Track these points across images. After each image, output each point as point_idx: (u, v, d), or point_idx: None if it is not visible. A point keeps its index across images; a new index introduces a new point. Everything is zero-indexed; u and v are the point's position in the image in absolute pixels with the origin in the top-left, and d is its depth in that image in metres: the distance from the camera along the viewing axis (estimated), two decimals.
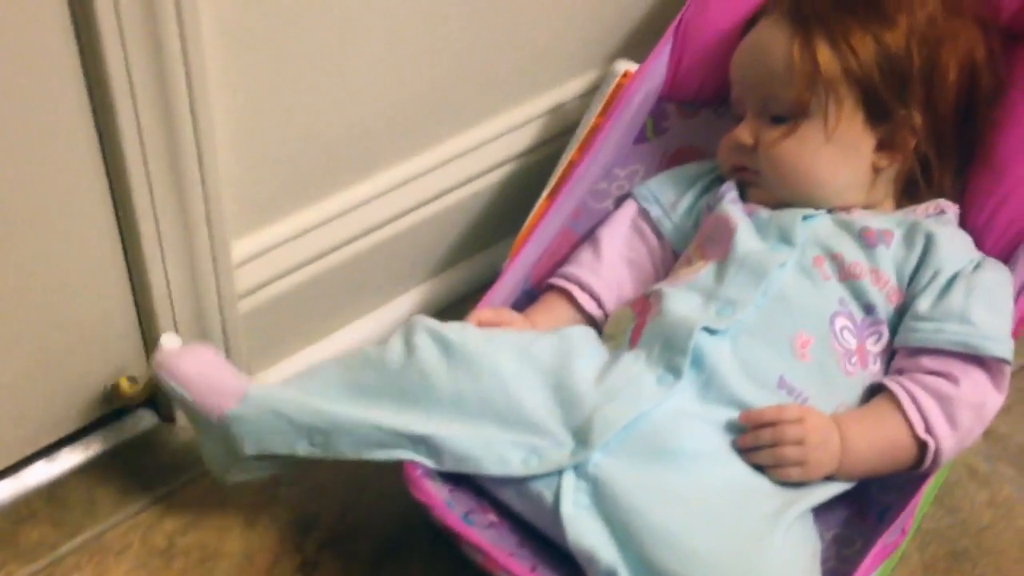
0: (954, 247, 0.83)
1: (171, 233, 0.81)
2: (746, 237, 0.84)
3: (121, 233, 0.81)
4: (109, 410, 0.92)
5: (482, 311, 0.87)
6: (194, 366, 0.80)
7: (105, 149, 0.75)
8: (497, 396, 0.76)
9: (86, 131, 0.74)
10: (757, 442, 0.75)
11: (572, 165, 0.94)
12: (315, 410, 0.77)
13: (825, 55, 0.84)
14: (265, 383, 0.80)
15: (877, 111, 0.84)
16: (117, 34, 0.68)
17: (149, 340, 0.89)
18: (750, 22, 0.91)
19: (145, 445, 0.91)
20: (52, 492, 0.89)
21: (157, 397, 0.93)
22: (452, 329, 0.80)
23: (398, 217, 0.97)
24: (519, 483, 0.76)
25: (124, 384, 0.89)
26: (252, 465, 0.81)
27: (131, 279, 0.84)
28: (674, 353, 0.78)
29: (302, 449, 0.78)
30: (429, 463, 0.77)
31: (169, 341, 0.82)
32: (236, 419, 0.78)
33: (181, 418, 0.93)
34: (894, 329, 0.82)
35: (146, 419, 0.94)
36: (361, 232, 0.95)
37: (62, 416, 0.90)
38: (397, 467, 0.77)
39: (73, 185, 0.76)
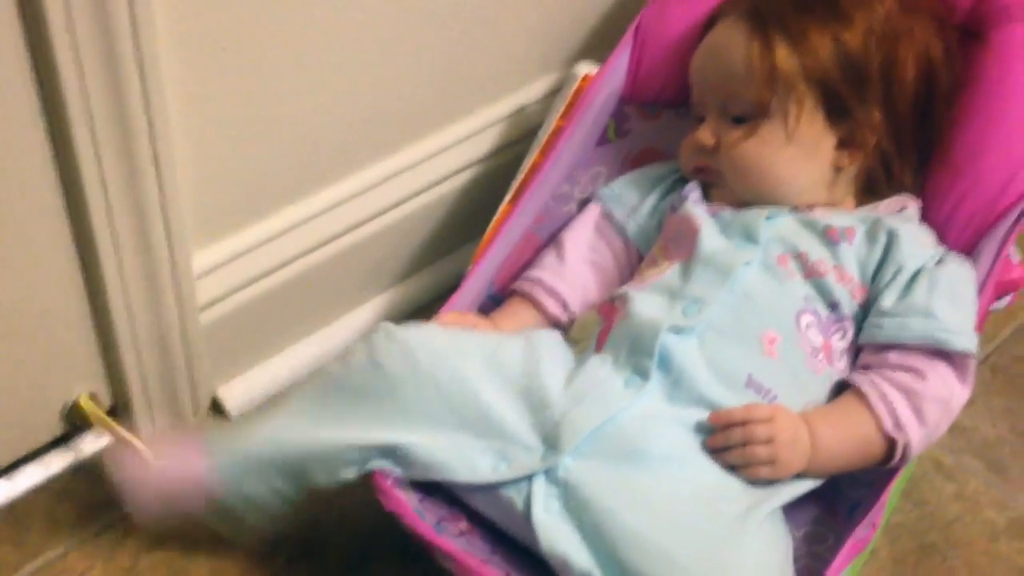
0: (916, 243, 0.83)
1: (129, 245, 0.80)
2: (710, 236, 0.84)
3: (78, 246, 0.79)
4: (69, 428, 0.90)
5: (446, 315, 0.87)
6: (153, 490, 0.79)
7: (60, 161, 0.74)
8: (464, 402, 0.76)
9: (40, 142, 0.72)
10: (727, 442, 0.75)
11: (534, 169, 0.94)
12: (287, 449, 0.77)
13: (784, 55, 0.84)
14: (226, 444, 0.79)
15: (837, 110, 0.84)
16: (70, 42, 0.67)
17: (109, 355, 0.87)
18: (709, 23, 0.92)
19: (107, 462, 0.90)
20: (12, 512, 0.87)
21: (119, 413, 0.91)
22: (417, 333, 0.79)
23: (360, 224, 0.96)
24: (489, 490, 0.75)
25: (84, 401, 0.87)
26: (258, 521, 0.81)
27: (88, 292, 0.82)
28: (641, 355, 0.78)
29: (291, 490, 0.78)
30: (399, 471, 0.76)
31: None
32: (222, 494, 0.78)
33: (143, 434, 0.92)
34: (859, 326, 0.83)
35: (108, 435, 0.92)
36: (323, 240, 0.94)
37: (20, 435, 0.88)
38: (365, 479, 0.77)
39: (27, 197, 0.74)
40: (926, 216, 0.89)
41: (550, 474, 0.74)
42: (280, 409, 0.80)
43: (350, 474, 0.77)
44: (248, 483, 0.78)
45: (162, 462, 0.80)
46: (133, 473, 0.80)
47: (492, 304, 0.93)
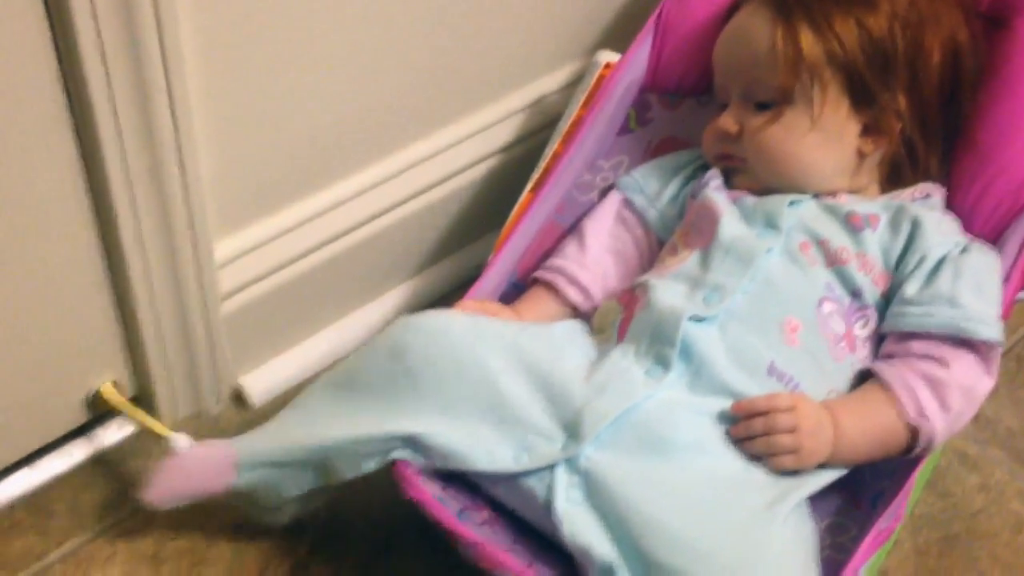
0: (941, 231, 0.83)
1: (152, 234, 0.80)
2: (731, 223, 0.84)
3: (101, 236, 0.80)
4: (92, 416, 0.90)
5: (467, 302, 0.87)
6: (178, 474, 0.81)
7: (84, 151, 0.74)
8: (486, 391, 0.76)
9: (65, 134, 0.73)
10: (750, 431, 0.75)
11: (556, 158, 0.94)
12: (308, 446, 0.78)
13: (808, 40, 0.83)
14: (250, 440, 0.81)
15: (862, 96, 0.84)
16: (96, 38, 0.67)
17: (132, 344, 0.87)
18: (731, 9, 0.91)
19: (129, 450, 0.90)
20: (35, 501, 0.88)
21: (141, 402, 0.92)
22: (437, 321, 0.79)
23: (381, 214, 0.96)
24: (511, 479, 0.75)
25: (107, 389, 0.88)
26: (288, 507, 0.83)
27: (112, 282, 0.83)
28: (662, 344, 0.77)
29: (313, 484, 0.79)
30: (421, 460, 0.76)
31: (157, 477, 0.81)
32: (244, 487, 0.79)
33: (166, 423, 0.92)
34: (881, 314, 0.82)
35: (130, 424, 0.92)
36: (344, 230, 0.94)
37: (44, 423, 0.88)
38: (387, 466, 0.77)
39: (51, 187, 0.75)
40: (951, 204, 0.88)
41: (572, 463, 0.74)
42: (300, 405, 0.81)
43: (371, 465, 0.77)
44: (270, 477, 0.79)
45: (187, 455, 0.81)
46: (161, 462, 0.81)
47: (514, 292, 0.93)
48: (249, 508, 0.83)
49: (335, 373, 0.81)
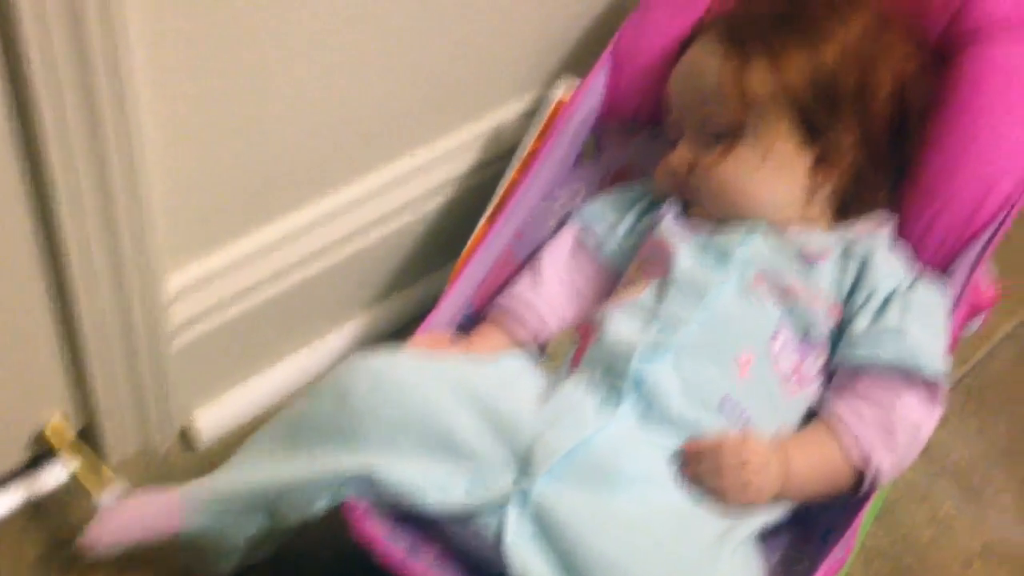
0: (889, 265, 0.83)
1: (101, 268, 0.79)
2: (686, 256, 0.84)
3: (48, 267, 0.78)
4: (36, 455, 0.89)
5: (420, 336, 0.86)
6: (122, 519, 0.79)
7: (32, 181, 0.73)
8: (433, 429, 0.75)
9: (13, 161, 0.71)
10: (698, 468, 0.75)
11: (512, 187, 0.94)
12: (255, 487, 0.77)
13: (758, 76, 0.84)
14: (198, 483, 0.80)
15: (812, 129, 0.85)
16: (44, 58, 0.66)
17: (79, 380, 0.86)
18: (685, 43, 0.92)
19: (76, 491, 0.89)
20: None
21: (88, 439, 0.90)
22: (384, 362, 0.78)
23: (336, 246, 0.96)
24: (461, 516, 0.74)
25: (52, 427, 0.86)
26: (233, 555, 0.81)
27: (59, 316, 0.81)
28: (615, 376, 0.78)
29: (265, 523, 0.78)
30: (370, 499, 0.75)
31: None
32: (191, 530, 0.78)
33: (112, 460, 0.91)
34: (833, 348, 0.83)
35: (76, 463, 0.91)
36: (298, 262, 0.94)
37: None
38: (336, 505, 0.76)
39: None
40: (901, 235, 0.89)
41: (523, 497, 0.73)
42: (249, 448, 0.80)
43: (320, 506, 0.75)
44: (216, 520, 0.78)
45: (133, 499, 0.80)
46: (105, 508, 0.80)
47: (469, 324, 0.93)
48: (193, 556, 0.82)
49: (283, 416, 0.80)
